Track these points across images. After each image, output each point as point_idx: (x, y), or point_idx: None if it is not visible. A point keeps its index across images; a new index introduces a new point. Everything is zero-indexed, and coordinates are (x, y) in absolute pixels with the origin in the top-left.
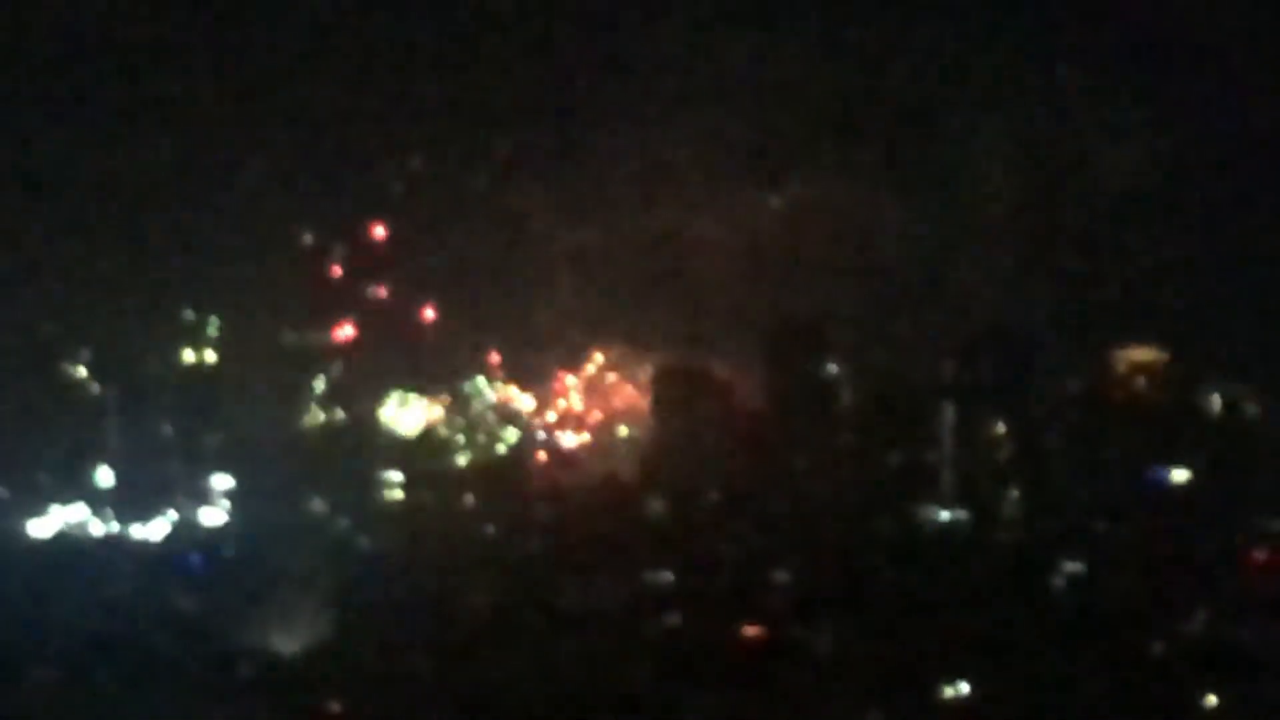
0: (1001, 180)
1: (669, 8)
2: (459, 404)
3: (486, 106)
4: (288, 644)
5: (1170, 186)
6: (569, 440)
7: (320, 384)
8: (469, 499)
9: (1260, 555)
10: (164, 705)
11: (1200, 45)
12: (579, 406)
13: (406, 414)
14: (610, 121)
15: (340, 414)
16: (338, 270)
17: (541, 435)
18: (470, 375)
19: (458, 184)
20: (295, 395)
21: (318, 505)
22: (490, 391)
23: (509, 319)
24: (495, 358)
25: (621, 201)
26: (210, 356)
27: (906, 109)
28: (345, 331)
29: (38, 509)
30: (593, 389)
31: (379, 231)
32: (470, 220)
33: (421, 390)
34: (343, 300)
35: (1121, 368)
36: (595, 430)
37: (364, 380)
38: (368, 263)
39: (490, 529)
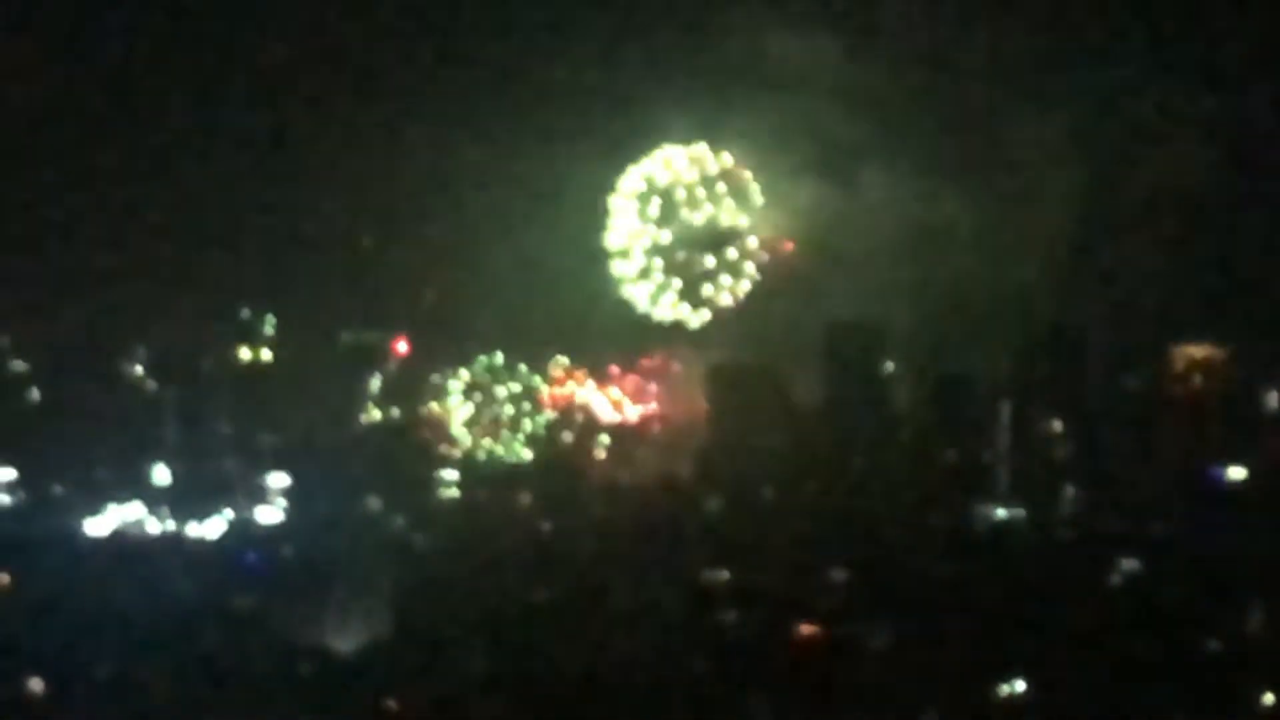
0: (1060, 179)
1: (728, 8)
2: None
3: (542, 103)
4: (345, 642)
5: (1229, 185)
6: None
7: (376, 382)
8: (525, 497)
9: None
10: (222, 703)
11: (1261, 44)
12: (638, 404)
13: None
14: (668, 119)
15: (396, 412)
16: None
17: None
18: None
19: (512, 177)
20: (352, 394)
21: (374, 503)
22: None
23: (570, 315)
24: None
25: (677, 200)
26: (266, 355)
27: (966, 110)
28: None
29: (95, 507)
30: (651, 386)
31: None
32: (523, 215)
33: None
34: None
35: (1179, 365)
36: (653, 427)
37: (420, 379)
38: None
39: (547, 526)
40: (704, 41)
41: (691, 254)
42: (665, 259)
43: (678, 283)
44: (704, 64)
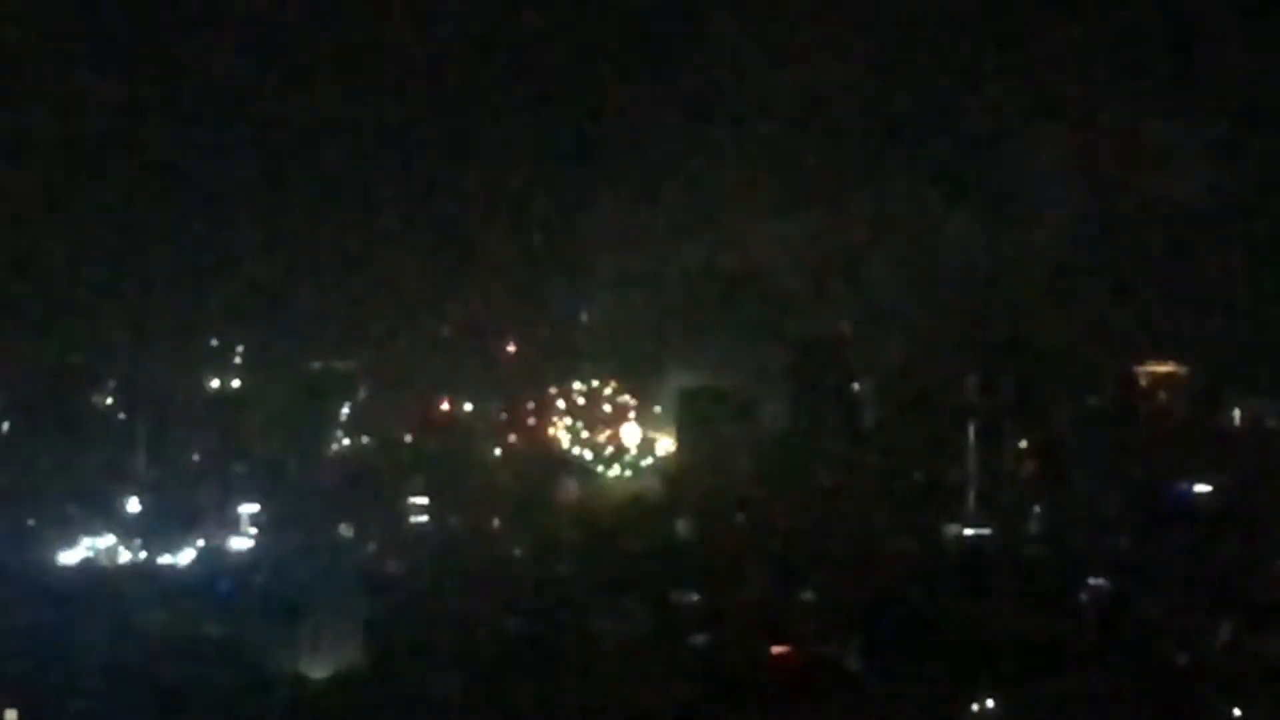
0: (1027, 201)
1: (718, 27)
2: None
3: (528, 121)
4: (318, 669)
5: (1194, 205)
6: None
7: (345, 410)
8: (495, 522)
9: None
10: None
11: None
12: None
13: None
14: (640, 138)
15: (365, 439)
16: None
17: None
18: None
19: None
20: (321, 421)
21: (345, 530)
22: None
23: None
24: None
25: (650, 225)
26: (235, 383)
27: (936, 130)
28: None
29: (67, 538)
30: (620, 410)
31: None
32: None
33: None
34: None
35: (1143, 382)
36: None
37: (387, 406)
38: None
39: (517, 551)
40: (680, 61)
41: None
42: None
43: None
44: (672, 81)
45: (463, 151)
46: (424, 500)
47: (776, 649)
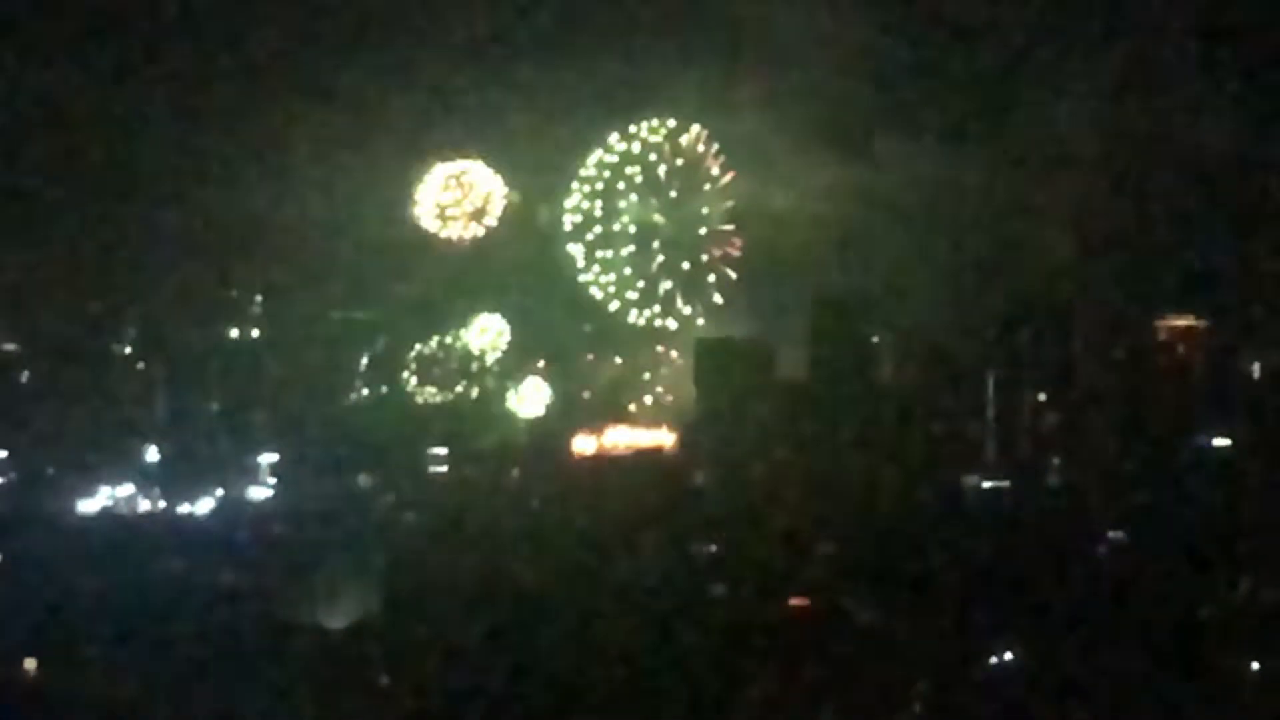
0: (1048, 155)
1: None
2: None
3: (554, 67)
4: (336, 619)
5: (1212, 159)
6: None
7: (364, 361)
8: (514, 472)
9: None
10: (213, 680)
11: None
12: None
13: None
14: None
15: (384, 390)
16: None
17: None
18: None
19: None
20: (340, 372)
21: (363, 481)
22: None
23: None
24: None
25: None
26: (255, 333)
27: (951, 83)
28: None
29: (86, 487)
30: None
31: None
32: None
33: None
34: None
35: (1162, 336)
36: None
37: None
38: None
39: (535, 503)
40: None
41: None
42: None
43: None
44: (697, 31)
45: (480, 101)
46: (443, 451)
47: (794, 601)
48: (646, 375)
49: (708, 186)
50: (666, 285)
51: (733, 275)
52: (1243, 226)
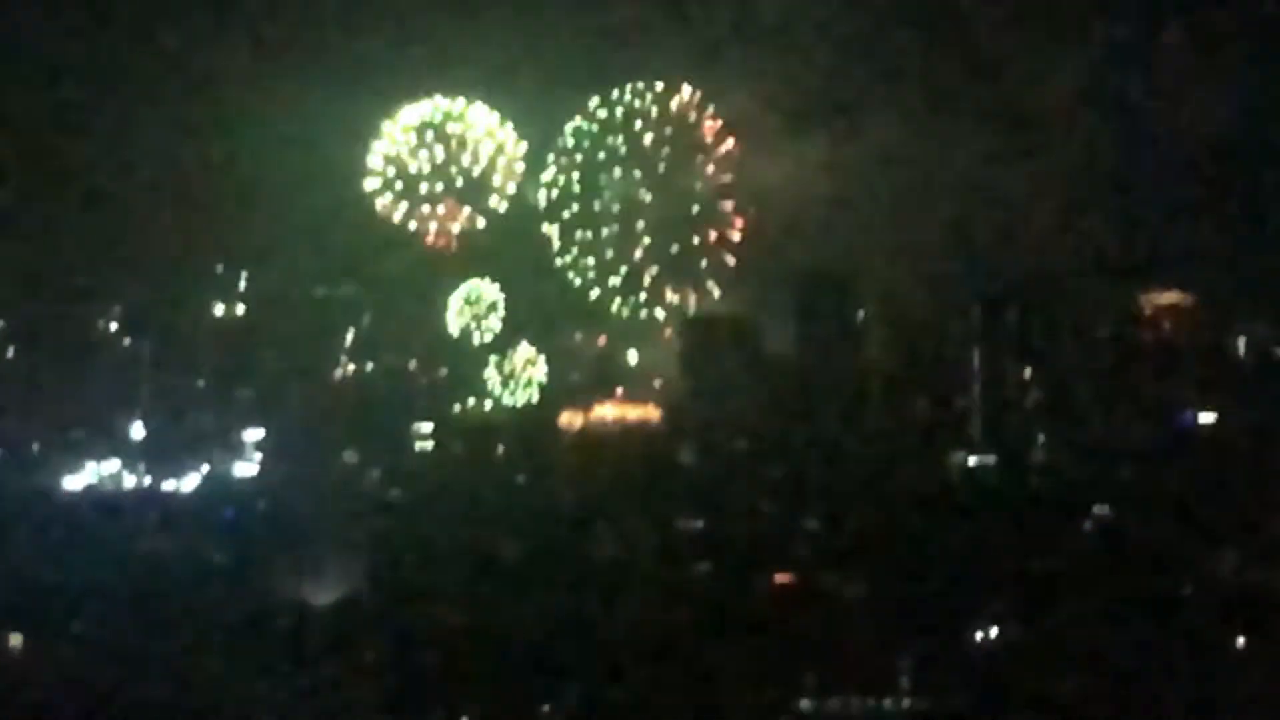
0: (1035, 130)
1: None
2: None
3: (538, 50)
4: (321, 595)
5: (1199, 135)
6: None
7: (350, 336)
8: (499, 448)
9: None
10: (198, 656)
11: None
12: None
13: None
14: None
15: (370, 366)
16: None
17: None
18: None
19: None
20: (326, 347)
21: (349, 457)
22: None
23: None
24: None
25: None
26: (240, 309)
27: (942, 54)
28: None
29: (72, 464)
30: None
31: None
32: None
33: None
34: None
35: (1148, 311)
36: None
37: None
38: None
39: (520, 478)
40: None
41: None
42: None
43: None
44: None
45: (470, 79)
46: (428, 427)
47: (779, 577)
48: (633, 352)
49: (700, 158)
50: (653, 271)
51: (730, 261)
52: (1230, 203)
